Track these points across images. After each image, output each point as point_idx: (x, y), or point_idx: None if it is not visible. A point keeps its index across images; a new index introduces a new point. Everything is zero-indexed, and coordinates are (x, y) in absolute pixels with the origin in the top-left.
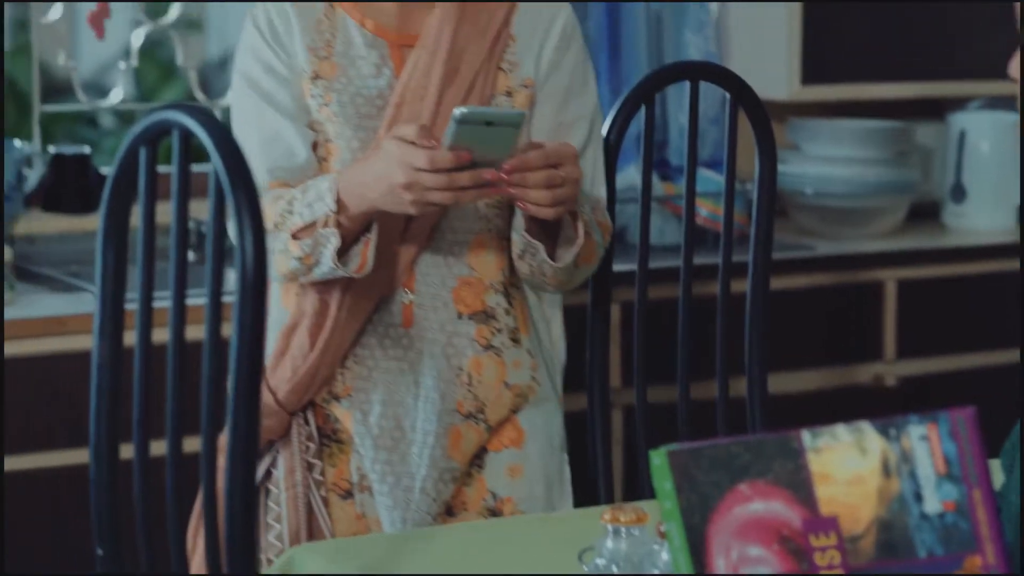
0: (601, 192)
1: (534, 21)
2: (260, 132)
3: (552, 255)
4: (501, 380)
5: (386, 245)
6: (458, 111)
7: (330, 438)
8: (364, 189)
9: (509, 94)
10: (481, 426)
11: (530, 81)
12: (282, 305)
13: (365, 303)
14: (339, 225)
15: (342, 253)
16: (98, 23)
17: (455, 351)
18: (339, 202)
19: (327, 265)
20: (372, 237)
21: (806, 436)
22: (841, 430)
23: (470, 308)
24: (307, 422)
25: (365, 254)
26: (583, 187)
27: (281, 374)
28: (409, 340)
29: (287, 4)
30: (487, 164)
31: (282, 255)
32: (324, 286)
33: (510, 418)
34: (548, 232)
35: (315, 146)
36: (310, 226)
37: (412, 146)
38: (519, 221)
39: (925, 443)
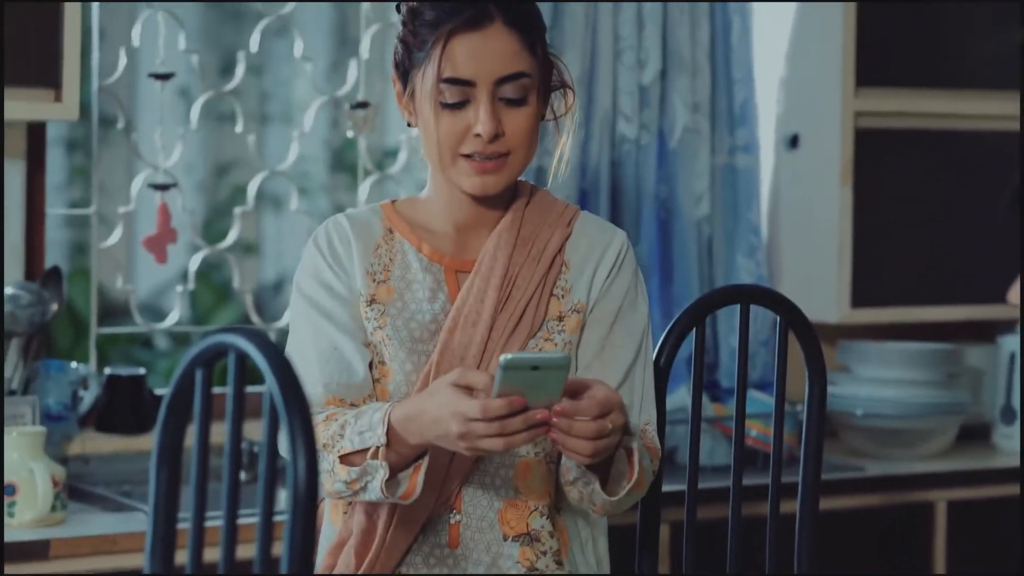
0: (651, 414)
1: (588, 248)
2: (317, 347)
3: (604, 486)
4: None
5: (435, 466)
6: (504, 358)
7: None
8: (418, 427)
9: (560, 319)
10: None
11: (582, 306)
12: (330, 520)
13: (413, 523)
14: (389, 457)
15: (391, 477)
16: (160, 248)
17: (500, 572)
18: (390, 435)
19: (375, 493)
20: (423, 464)
21: None
22: None
23: (515, 530)
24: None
25: (414, 480)
26: (632, 411)
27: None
28: (455, 560)
29: (348, 227)
30: (537, 406)
31: (329, 476)
32: (372, 506)
33: None
34: (602, 463)
35: (370, 366)
36: (360, 452)
37: (465, 396)
38: None
39: None
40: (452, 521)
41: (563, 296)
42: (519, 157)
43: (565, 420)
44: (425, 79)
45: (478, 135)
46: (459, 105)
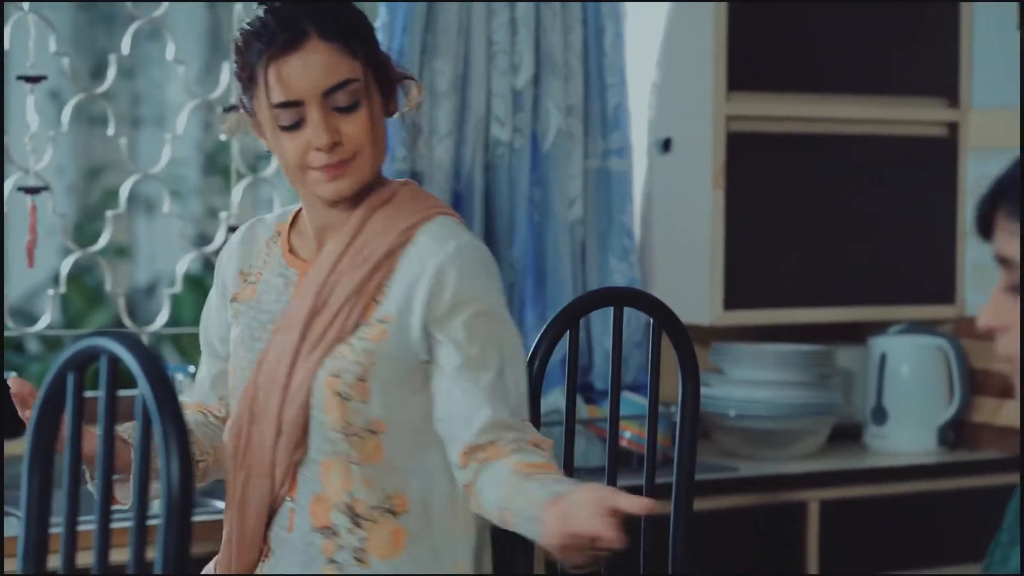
0: (527, 412)
1: (417, 258)
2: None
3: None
4: None
5: (263, 456)
6: None
7: None
8: None
9: (370, 326)
10: None
11: (390, 317)
12: None
13: (259, 506)
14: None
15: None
16: (30, 252)
17: (310, 559)
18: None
19: None
20: None
21: None
22: None
23: (320, 522)
24: None
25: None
26: (511, 410)
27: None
28: (289, 543)
29: (243, 230)
30: None
31: None
32: (226, 488)
33: None
34: None
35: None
36: None
37: None
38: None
39: None
40: (290, 507)
41: (383, 302)
42: (365, 157)
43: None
44: (261, 107)
45: (318, 149)
46: (296, 126)
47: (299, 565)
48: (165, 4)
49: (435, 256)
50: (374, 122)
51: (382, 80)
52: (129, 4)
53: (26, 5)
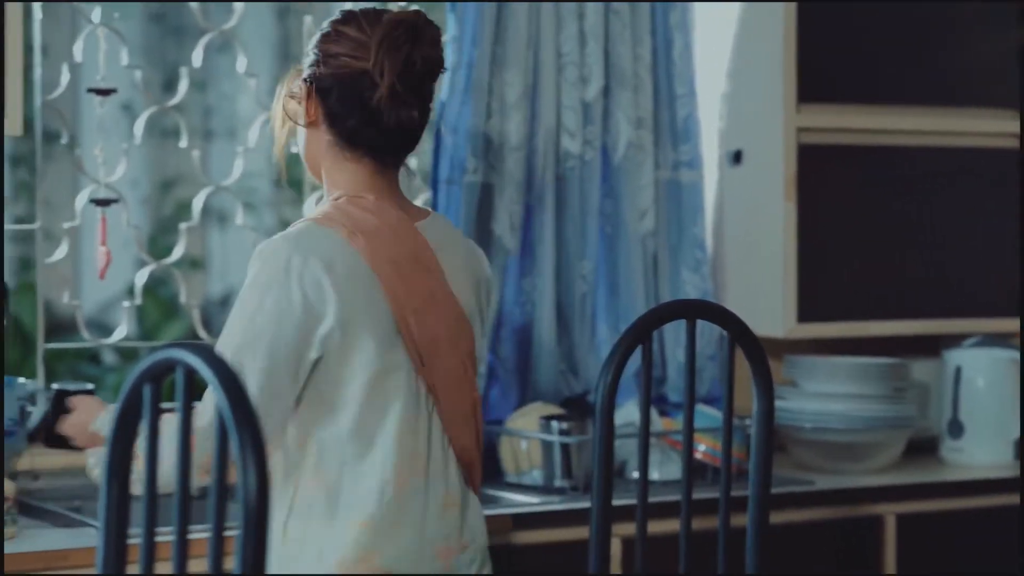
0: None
1: None
2: None
3: None
4: None
5: None
6: None
7: None
8: None
9: None
10: None
11: None
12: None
13: None
14: None
15: None
16: (103, 267)
17: None
18: None
19: None
20: None
21: None
22: None
23: None
24: None
25: None
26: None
27: None
28: None
29: None
30: None
31: None
32: None
33: None
34: None
35: None
36: None
37: None
38: None
39: None
40: None
41: None
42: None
43: None
44: None
45: None
46: None
47: None
48: (236, 16)
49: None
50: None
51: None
52: (200, 17)
53: (97, 18)
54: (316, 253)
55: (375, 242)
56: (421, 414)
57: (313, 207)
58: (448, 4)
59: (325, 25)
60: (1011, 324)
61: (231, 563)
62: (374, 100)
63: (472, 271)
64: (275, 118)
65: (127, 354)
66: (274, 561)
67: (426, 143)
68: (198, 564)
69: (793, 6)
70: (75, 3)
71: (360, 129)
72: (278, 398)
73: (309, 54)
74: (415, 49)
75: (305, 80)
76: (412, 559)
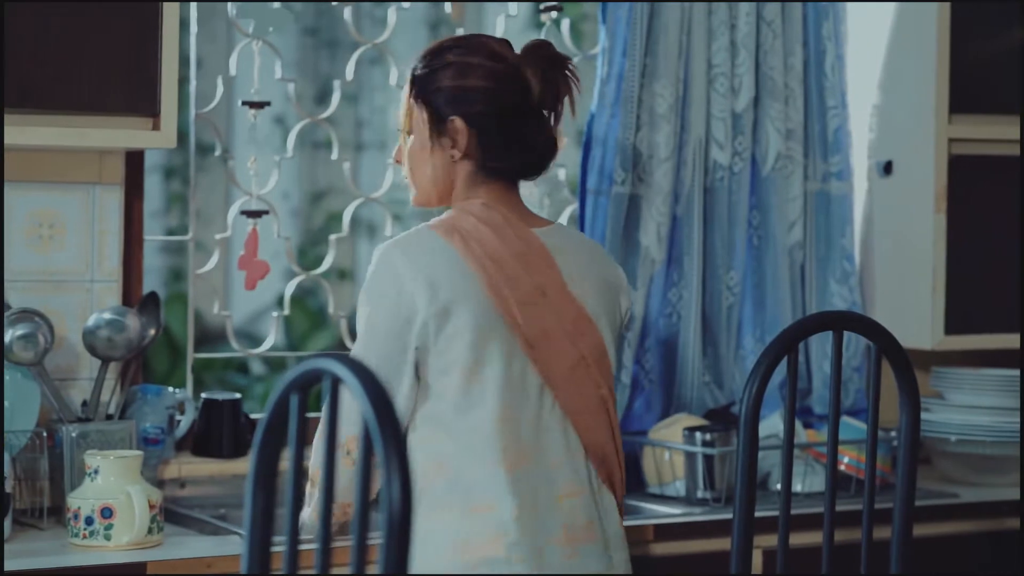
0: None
1: None
2: None
3: None
4: None
5: None
6: None
7: None
8: None
9: None
10: None
11: None
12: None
13: None
14: None
15: None
16: (251, 276)
17: None
18: None
19: None
20: None
21: None
22: None
23: None
24: None
25: None
26: None
27: None
28: None
29: None
30: None
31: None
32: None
33: None
34: None
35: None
36: None
37: None
38: None
39: None
40: None
41: None
42: (412, 179)
43: None
44: None
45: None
46: None
47: None
48: (389, 29)
49: None
50: (414, 150)
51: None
52: (353, 30)
53: (251, 31)
54: (416, 252)
55: (472, 241)
56: (530, 404)
57: None
58: (599, 16)
59: (435, 61)
60: None
61: (374, 571)
62: (533, 133)
63: (600, 275)
64: (412, 154)
65: (275, 364)
66: None
67: (574, 154)
68: (340, 572)
69: (947, 15)
70: (231, 17)
71: (515, 162)
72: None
73: (442, 90)
74: (560, 75)
75: (455, 116)
76: (528, 547)
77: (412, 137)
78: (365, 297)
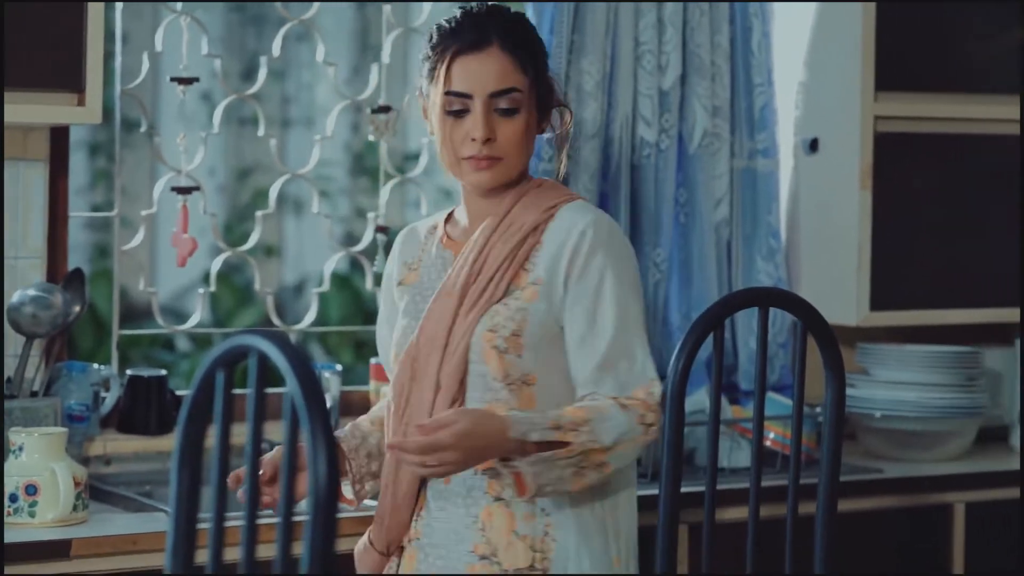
0: (650, 373)
1: (560, 229)
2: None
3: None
4: (511, 529)
5: (421, 413)
6: None
7: None
8: None
9: (523, 289)
10: (495, 568)
11: (540, 280)
12: None
13: None
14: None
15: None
16: (182, 253)
17: (472, 501)
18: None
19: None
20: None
21: None
22: None
23: (484, 465)
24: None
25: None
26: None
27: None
28: (448, 493)
29: (403, 232)
30: None
31: None
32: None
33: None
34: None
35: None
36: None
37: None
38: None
39: None
40: None
41: (531, 270)
42: (511, 160)
43: (397, 450)
44: (435, 91)
45: (474, 139)
46: (460, 113)
47: (462, 508)
48: (315, 5)
49: (577, 224)
50: (526, 132)
51: (542, 100)
52: (279, 5)
53: (179, 7)
54: None
55: None
56: None
57: (386, 195)
58: None
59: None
60: None
61: (299, 549)
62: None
63: None
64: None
65: (201, 341)
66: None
67: None
68: (267, 549)
69: None
70: None
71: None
72: None
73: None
74: None
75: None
76: None
77: (518, 115)
78: (627, 252)
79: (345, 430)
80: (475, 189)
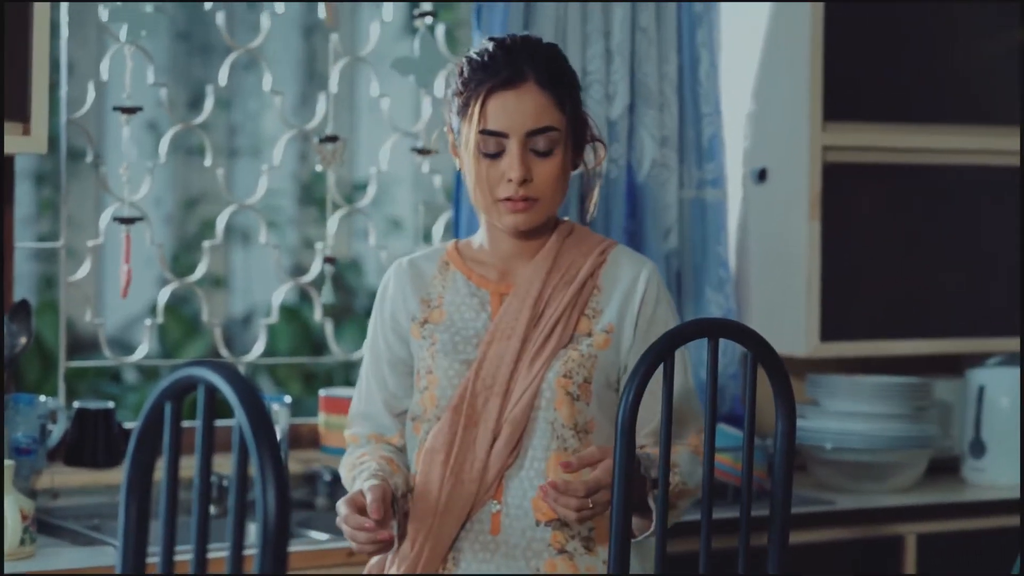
0: (699, 419)
1: (620, 275)
2: (371, 374)
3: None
4: None
5: (474, 462)
6: None
7: None
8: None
9: (590, 335)
10: None
11: (611, 327)
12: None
13: (459, 512)
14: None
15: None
16: (125, 285)
17: (533, 554)
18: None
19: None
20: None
21: None
22: None
23: (546, 516)
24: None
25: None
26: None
27: (397, 566)
28: (495, 545)
29: (406, 268)
30: None
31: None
32: (425, 498)
33: None
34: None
35: (418, 377)
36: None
37: None
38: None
39: None
40: (494, 510)
41: (593, 316)
42: (547, 200)
43: (554, 493)
44: (467, 129)
45: (510, 180)
46: (495, 155)
47: (521, 561)
48: (262, 35)
49: (640, 273)
50: (563, 171)
51: (577, 136)
52: (226, 35)
53: (123, 36)
54: None
55: None
56: None
57: (334, 226)
58: (474, 21)
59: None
60: None
61: None
62: None
63: None
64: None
65: (149, 372)
66: None
67: (450, 161)
68: None
69: (820, 25)
70: (102, 21)
71: None
72: None
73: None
74: None
75: (600, 142)
76: None
77: (554, 154)
78: (672, 299)
79: (381, 466)
80: (509, 230)
